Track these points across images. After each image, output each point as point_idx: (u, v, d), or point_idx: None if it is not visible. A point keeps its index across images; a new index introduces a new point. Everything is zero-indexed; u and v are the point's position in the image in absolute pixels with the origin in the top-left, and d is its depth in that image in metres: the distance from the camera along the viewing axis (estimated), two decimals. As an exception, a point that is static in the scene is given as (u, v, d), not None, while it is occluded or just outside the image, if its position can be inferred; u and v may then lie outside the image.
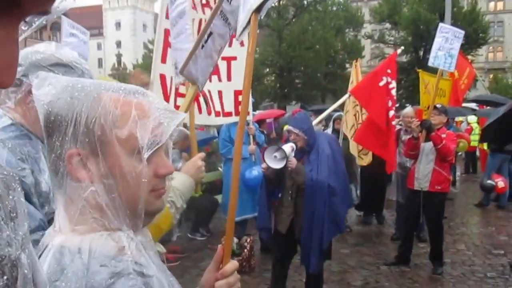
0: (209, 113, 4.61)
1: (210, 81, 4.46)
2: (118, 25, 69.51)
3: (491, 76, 43.40)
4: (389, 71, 5.39)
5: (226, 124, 5.73)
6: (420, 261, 6.29)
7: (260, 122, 7.61)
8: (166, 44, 3.68)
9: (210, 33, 2.16)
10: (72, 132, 0.91)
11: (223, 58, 4.75)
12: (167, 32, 3.67)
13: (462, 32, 6.27)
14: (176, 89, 3.68)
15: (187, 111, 2.32)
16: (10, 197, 0.56)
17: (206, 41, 2.17)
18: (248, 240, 5.78)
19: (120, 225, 0.93)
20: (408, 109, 6.64)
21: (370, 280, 5.67)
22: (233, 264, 1.29)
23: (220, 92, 4.77)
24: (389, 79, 5.44)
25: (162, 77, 3.64)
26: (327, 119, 7.78)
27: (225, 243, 1.38)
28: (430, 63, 5.99)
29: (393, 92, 5.51)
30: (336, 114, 7.31)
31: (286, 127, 6.70)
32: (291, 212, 4.12)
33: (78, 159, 0.92)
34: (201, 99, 4.46)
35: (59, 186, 0.95)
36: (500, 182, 7.59)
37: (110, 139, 0.91)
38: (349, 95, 5.32)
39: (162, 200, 0.99)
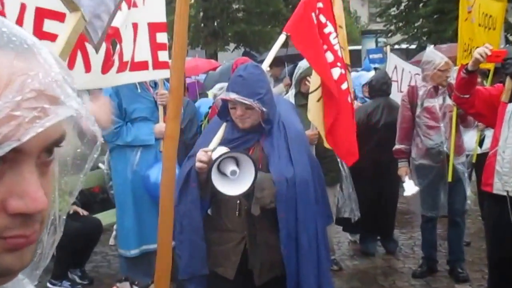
0: (105, 71, 4.25)
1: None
2: None
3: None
4: (320, 4, 4.99)
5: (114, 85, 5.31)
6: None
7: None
8: None
9: None
10: None
11: None
12: None
13: None
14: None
15: (65, 58, 2.26)
16: None
17: None
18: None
19: None
20: (434, 55, 6.17)
21: None
22: None
23: (135, 27, 4.50)
24: (323, 19, 5.00)
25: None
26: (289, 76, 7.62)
27: None
28: None
29: (333, 40, 5.10)
30: (303, 69, 6.41)
31: (213, 94, 7.01)
32: (241, 239, 3.78)
33: None
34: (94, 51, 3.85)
35: None
36: None
37: None
38: (286, 36, 4.73)
39: (21, 256, 0.82)
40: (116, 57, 4.35)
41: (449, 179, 6.06)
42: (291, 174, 3.64)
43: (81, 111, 0.81)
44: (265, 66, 4.39)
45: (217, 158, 3.42)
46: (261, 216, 3.71)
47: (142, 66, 4.63)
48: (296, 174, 3.68)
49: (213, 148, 3.68)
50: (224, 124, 3.84)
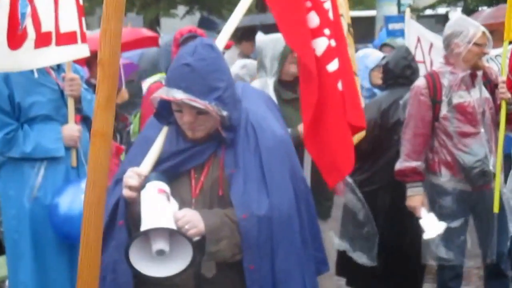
0: (15, 46, 4.10)
1: None
2: None
3: None
4: None
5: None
6: None
7: (91, 61, 6.73)
8: None
9: None
10: None
11: None
12: None
13: None
14: None
15: None
16: None
17: None
18: None
19: None
20: (466, 22, 5.63)
21: None
22: None
23: None
24: None
25: None
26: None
27: None
28: None
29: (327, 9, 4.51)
30: (285, 43, 5.99)
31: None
32: None
33: None
34: None
35: None
36: None
37: None
38: None
39: None
40: (29, 24, 4.05)
41: (496, 210, 5.48)
42: (264, 209, 3.21)
43: None
44: (223, 40, 3.72)
45: (135, 236, 3.08)
46: (223, 268, 3.35)
47: (71, 38, 4.37)
48: (272, 207, 3.23)
49: (148, 171, 3.27)
50: (165, 130, 3.39)
